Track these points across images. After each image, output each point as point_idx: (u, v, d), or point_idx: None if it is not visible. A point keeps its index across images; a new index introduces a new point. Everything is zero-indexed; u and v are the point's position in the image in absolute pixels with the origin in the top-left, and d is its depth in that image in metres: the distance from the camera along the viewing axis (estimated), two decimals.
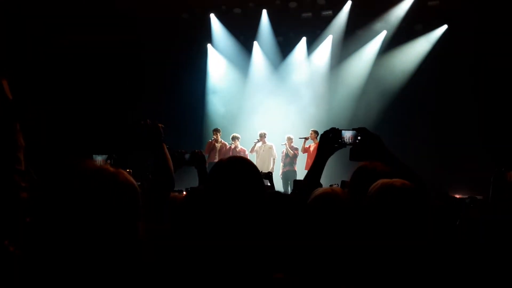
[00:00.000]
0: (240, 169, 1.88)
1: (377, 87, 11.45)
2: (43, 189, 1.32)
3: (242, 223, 1.70)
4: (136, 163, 4.59)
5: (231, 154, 10.25)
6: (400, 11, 11.29)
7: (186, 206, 1.93)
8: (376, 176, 2.04)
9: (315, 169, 2.55)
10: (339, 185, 4.29)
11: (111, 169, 1.37)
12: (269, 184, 4.15)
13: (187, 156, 3.15)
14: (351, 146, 2.58)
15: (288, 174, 10.13)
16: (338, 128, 2.58)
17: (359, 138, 2.58)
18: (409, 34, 11.44)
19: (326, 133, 2.59)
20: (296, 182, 4.88)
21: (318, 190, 2.22)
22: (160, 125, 2.52)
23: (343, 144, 2.57)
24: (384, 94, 11.37)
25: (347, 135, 2.58)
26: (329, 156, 2.58)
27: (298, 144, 10.40)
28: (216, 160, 9.85)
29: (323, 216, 2.04)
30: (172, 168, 2.51)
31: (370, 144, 2.53)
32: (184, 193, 4.93)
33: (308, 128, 10.55)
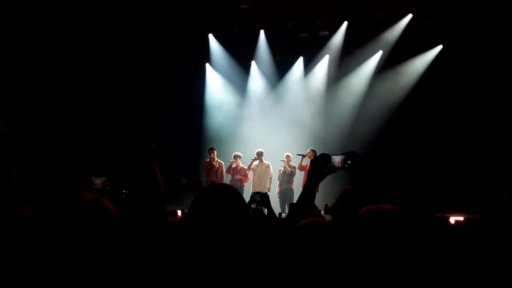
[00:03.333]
0: (220, 198, 1.77)
1: (373, 106, 11.53)
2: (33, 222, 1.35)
3: (223, 254, 1.69)
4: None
5: (231, 173, 10.29)
6: (395, 31, 11.44)
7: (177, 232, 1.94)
8: (361, 200, 2.08)
9: (306, 194, 2.60)
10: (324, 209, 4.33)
11: (90, 196, 1.37)
12: (263, 206, 4.17)
13: (184, 181, 3.16)
14: (341, 171, 2.64)
15: (285, 192, 10.16)
16: (327, 154, 2.64)
17: (348, 162, 2.64)
18: (405, 54, 11.57)
19: (316, 159, 2.65)
20: (293, 205, 4.91)
21: (304, 220, 2.25)
22: (153, 145, 2.46)
23: (333, 169, 2.63)
24: (380, 113, 11.44)
25: (337, 160, 2.63)
26: (320, 182, 2.64)
27: (295, 161, 10.42)
28: (214, 179, 9.92)
29: (308, 244, 2.06)
30: (163, 191, 2.44)
31: (360, 168, 2.59)
32: (179, 214, 4.96)
33: (305, 147, 10.60)
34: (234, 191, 1.83)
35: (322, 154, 2.63)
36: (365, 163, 2.61)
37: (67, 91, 10.46)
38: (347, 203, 2.21)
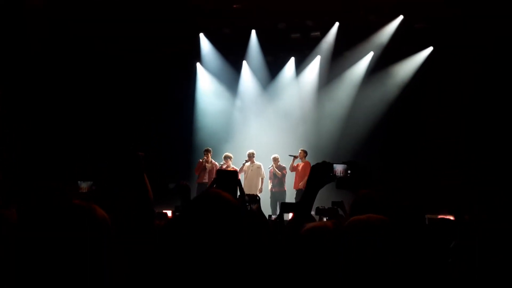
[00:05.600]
0: (208, 210, 1.68)
1: (364, 107, 11.58)
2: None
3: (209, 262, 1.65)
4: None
5: None
6: (386, 33, 11.49)
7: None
8: (374, 205, 2.10)
9: (306, 201, 2.59)
10: (331, 205, 4.35)
11: (83, 204, 1.38)
12: (254, 207, 4.16)
13: (171, 185, 3.13)
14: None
15: (277, 194, 10.13)
16: (329, 162, 2.62)
17: (349, 171, 2.64)
18: (396, 55, 11.64)
19: (317, 165, 2.62)
20: (283, 205, 4.91)
21: (309, 224, 2.26)
22: (140, 153, 2.45)
23: (334, 178, 2.62)
24: (371, 114, 11.50)
25: (339, 168, 2.63)
26: (320, 189, 2.62)
27: (287, 160, 10.37)
28: (206, 180, 9.87)
29: (314, 249, 2.06)
30: (152, 199, 2.44)
31: (360, 177, 2.60)
32: (170, 214, 4.93)
33: (296, 147, 10.61)
34: (226, 204, 1.71)
35: (323, 162, 2.61)
36: (365, 172, 2.61)
37: (53, 92, 10.36)
38: (363, 207, 2.22)
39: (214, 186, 3.19)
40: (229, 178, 3.17)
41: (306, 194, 2.63)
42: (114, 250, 1.40)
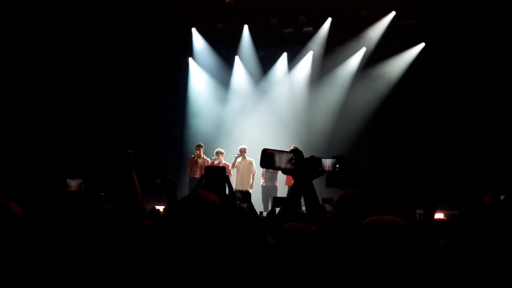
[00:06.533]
0: (194, 214, 1.68)
1: (356, 103, 11.59)
2: None
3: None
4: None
5: None
6: (378, 28, 11.52)
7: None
8: (362, 206, 2.07)
9: (294, 196, 2.56)
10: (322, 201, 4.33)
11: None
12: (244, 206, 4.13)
13: (158, 181, 3.10)
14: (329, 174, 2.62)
15: (268, 189, 10.12)
16: (317, 156, 2.60)
17: (337, 166, 2.62)
18: (388, 51, 11.65)
19: (305, 160, 2.59)
20: (276, 199, 4.90)
21: (292, 226, 2.21)
22: (130, 151, 2.47)
23: (322, 172, 2.60)
24: (362, 110, 11.52)
25: (327, 163, 2.60)
26: (307, 183, 2.59)
27: None
28: (198, 175, 9.86)
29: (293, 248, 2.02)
30: (141, 196, 2.46)
31: (349, 172, 2.58)
32: (162, 210, 4.90)
33: (288, 143, 10.56)
34: (210, 207, 1.71)
35: (311, 157, 2.60)
36: (354, 166, 2.60)
37: (45, 90, 10.28)
38: (348, 207, 2.18)
39: (203, 182, 3.16)
40: (217, 174, 3.14)
41: (294, 189, 2.61)
42: (30, 248, 1.40)
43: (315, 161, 2.59)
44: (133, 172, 2.42)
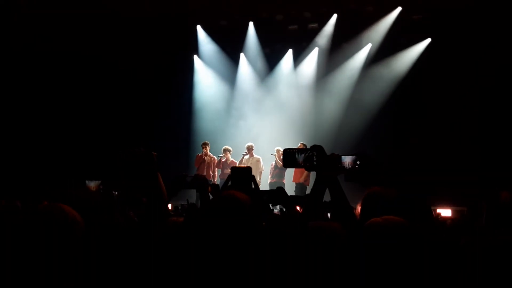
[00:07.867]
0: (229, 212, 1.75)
1: (362, 98, 11.55)
2: None
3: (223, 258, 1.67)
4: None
5: (221, 167, 10.22)
6: (384, 24, 11.46)
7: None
8: (387, 204, 2.07)
9: (315, 196, 2.55)
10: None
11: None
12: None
13: (188, 179, 3.13)
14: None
15: (276, 186, 10.08)
16: (338, 154, 2.58)
17: (358, 163, 2.60)
18: (394, 47, 11.61)
19: (325, 158, 2.57)
20: (290, 198, 4.85)
21: (315, 223, 2.22)
22: (154, 153, 2.48)
23: (343, 170, 2.57)
24: (369, 105, 11.47)
25: (347, 160, 2.58)
26: (329, 182, 2.57)
27: None
28: (205, 173, 9.85)
29: (320, 249, 2.03)
30: (166, 198, 2.50)
31: (370, 170, 2.56)
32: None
33: (295, 140, 10.54)
34: (241, 206, 1.77)
35: (332, 154, 2.57)
36: (375, 163, 2.57)
37: (58, 91, 10.33)
38: (373, 204, 2.19)
39: (229, 183, 3.17)
40: (243, 174, 3.14)
41: (315, 189, 2.59)
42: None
43: (335, 159, 2.57)
44: (158, 173, 2.44)
